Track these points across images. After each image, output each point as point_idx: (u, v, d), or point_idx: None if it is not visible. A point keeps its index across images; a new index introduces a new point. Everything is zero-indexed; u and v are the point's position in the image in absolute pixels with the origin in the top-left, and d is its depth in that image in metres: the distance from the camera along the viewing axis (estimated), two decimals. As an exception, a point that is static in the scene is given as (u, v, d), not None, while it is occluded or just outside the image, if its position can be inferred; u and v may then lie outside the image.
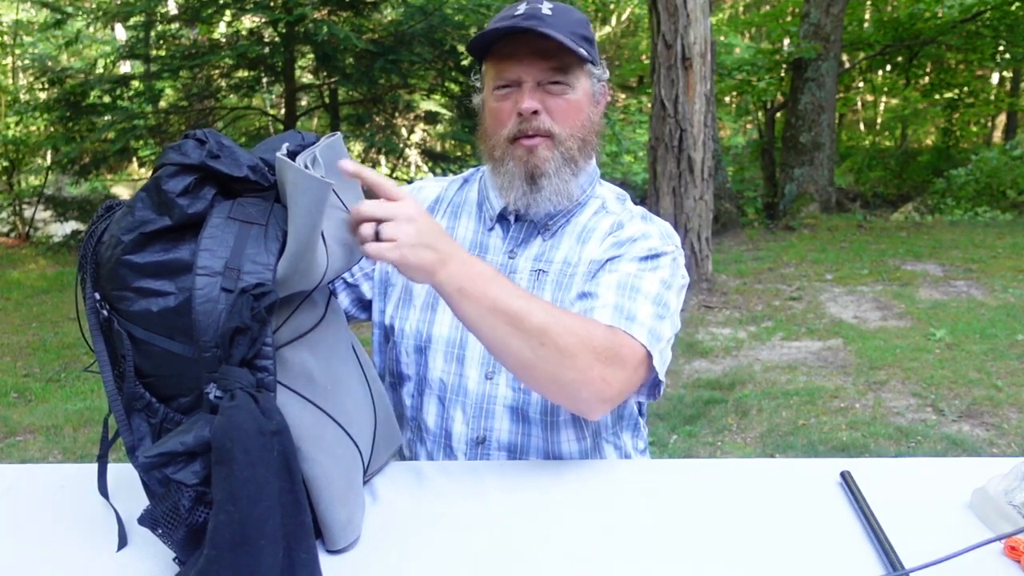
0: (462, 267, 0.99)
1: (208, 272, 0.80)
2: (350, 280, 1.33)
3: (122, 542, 0.93)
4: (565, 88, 1.21)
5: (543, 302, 1.08)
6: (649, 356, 1.11)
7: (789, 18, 11.63)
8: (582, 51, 1.18)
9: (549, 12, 1.19)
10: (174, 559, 0.87)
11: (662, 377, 1.16)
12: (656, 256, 1.21)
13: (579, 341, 1.03)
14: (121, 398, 0.86)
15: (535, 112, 1.19)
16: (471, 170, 1.40)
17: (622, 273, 1.17)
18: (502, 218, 1.29)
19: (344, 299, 1.34)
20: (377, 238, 0.93)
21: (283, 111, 8.65)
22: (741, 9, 15.85)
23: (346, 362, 1.00)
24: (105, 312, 0.85)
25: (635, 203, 1.35)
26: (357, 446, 0.98)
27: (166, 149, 0.85)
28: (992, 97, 14.02)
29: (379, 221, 0.93)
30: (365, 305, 1.35)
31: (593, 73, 1.25)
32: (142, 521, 0.81)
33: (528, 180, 1.21)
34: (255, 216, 0.84)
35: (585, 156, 1.26)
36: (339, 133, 0.96)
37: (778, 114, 10.80)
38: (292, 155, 0.85)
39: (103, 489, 0.97)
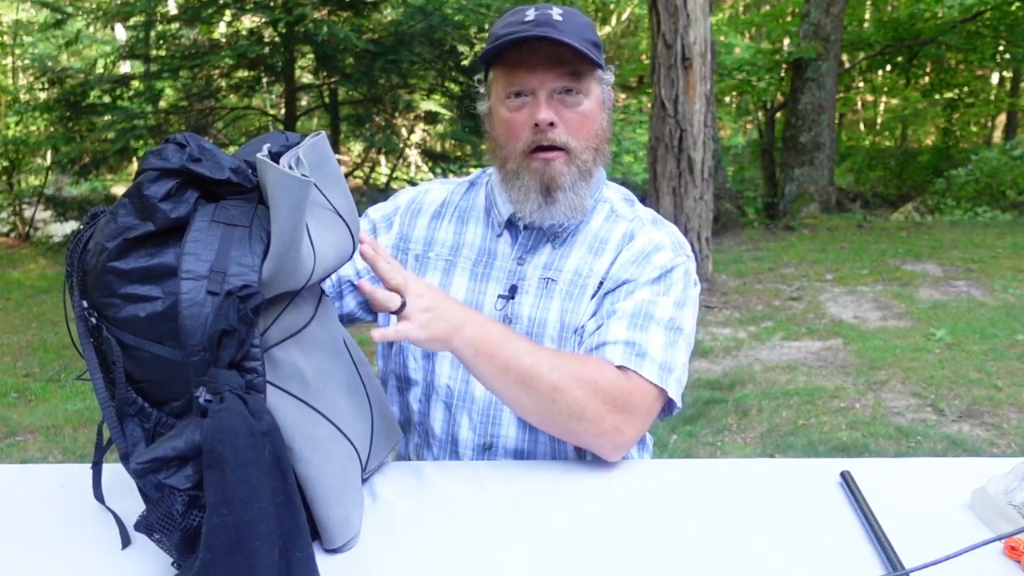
0: (476, 331, 1.04)
1: (193, 276, 0.80)
2: (356, 282, 1.32)
3: (125, 541, 0.93)
4: (579, 98, 1.19)
5: (554, 356, 1.10)
6: (662, 390, 1.13)
7: (789, 18, 11.64)
8: (594, 57, 1.17)
9: (560, 18, 1.17)
10: (172, 563, 0.87)
11: (679, 404, 1.17)
12: (668, 273, 1.21)
13: (590, 395, 1.07)
14: (113, 404, 0.86)
15: (551, 124, 1.17)
16: (476, 173, 1.38)
17: (636, 300, 1.17)
18: (510, 224, 1.27)
19: (351, 301, 1.32)
20: (399, 311, 0.99)
21: (283, 111, 8.65)
22: (741, 9, 15.84)
23: (338, 360, 1.00)
24: (93, 319, 0.84)
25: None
26: (353, 444, 0.98)
27: (146, 154, 0.84)
28: (992, 97, 14.03)
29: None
30: (371, 308, 1.34)
31: (603, 79, 1.23)
32: (138, 527, 0.81)
33: (544, 193, 1.20)
34: (239, 218, 0.84)
35: (598, 165, 1.25)
36: (323, 132, 0.95)
37: (778, 114, 10.80)
38: (276, 156, 0.85)
39: (99, 495, 0.97)
